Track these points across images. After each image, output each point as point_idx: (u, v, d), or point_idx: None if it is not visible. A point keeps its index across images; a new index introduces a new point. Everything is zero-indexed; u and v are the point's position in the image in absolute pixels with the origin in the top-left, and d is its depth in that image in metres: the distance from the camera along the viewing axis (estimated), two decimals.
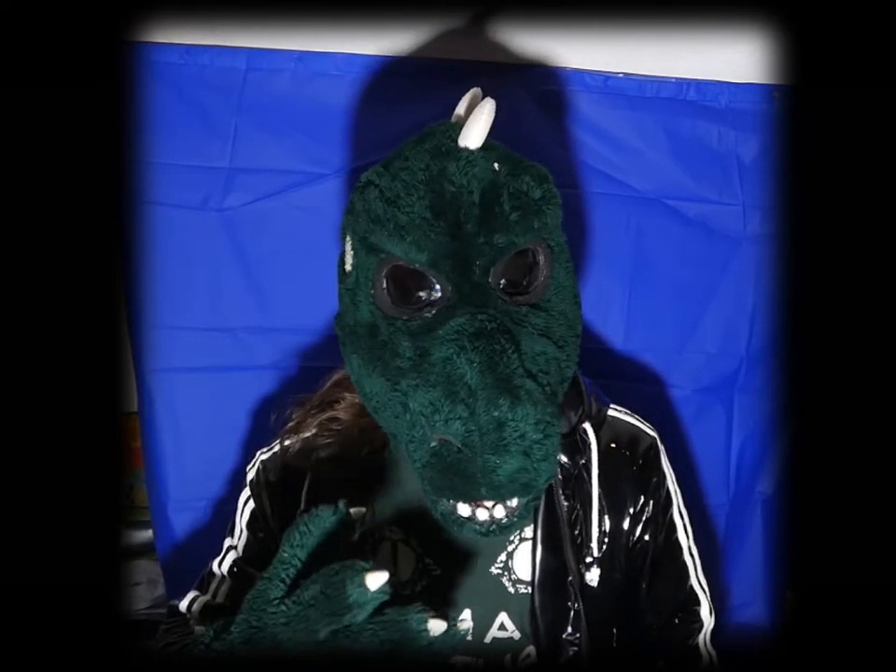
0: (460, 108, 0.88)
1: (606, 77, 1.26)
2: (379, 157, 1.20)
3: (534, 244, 0.83)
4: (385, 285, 0.82)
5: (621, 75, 1.26)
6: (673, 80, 1.26)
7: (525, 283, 0.83)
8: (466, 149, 0.82)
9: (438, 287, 0.81)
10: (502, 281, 0.82)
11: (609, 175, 1.28)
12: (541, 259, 0.84)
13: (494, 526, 0.80)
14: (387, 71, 1.22)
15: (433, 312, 0.80)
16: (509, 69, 1.23)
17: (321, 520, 0.76)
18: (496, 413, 0.74)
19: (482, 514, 0.79)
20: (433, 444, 0.77)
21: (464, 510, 0.79)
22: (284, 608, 0.72)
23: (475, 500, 0.78)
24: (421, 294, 0.81)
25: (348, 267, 0.87)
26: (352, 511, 0.78)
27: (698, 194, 1.29)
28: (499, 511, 0.79)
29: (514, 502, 0.79)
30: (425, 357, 0.78)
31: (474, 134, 0.82)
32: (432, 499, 0.81)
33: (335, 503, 0.78)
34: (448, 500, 0.79)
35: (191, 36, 1.19)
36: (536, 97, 1.25)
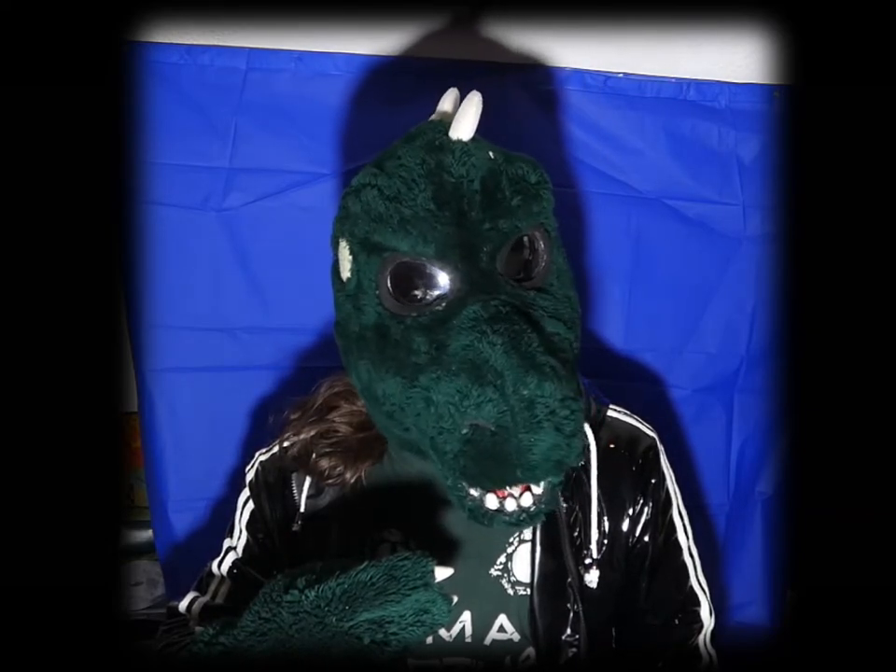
0: (445, 105, 0.89)
1: (606, 77, 1.26)
2: None
3: (533, 229, 0.84)
4: (389, 284, 0.81)
5: (621, 75, 1.26)
6: (673, 80, 1.26)
7: (527, 269, 0.84)
8: (459, 141, 0.82)
9: (443, 281, 0.80)
10: (507, 269, 0.82)
11: (610, 175, 1.28)
12: (541, 244, 0.84)
13: (524, 515, 0.80)
14: (387, 71, 1.22)
15: (443, 304, 0.80)
16: (510, 69, 1.23)
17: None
18: (525, 392, 0.74)
19: (510, 505, 0.79)
20: (464, 432, 0.76)
21: (492, 502, 0.79)
22: (304, 598, 0.73)
23: (510, 484, 0.78)
24: (416, 293, 0.81)
25: (346, 274, 0.86)
26: (437, 573, 0.77)
27: (698, 194, 1.29)
28: (527, 500, 0.79)
29: (540, 489, 0.79)
30: (442, 349, 0.78)
31: (465, 126, 0.82)
32: (458, 496, 0.80)
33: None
34: (476, 492, 0.79)
35: (192, 37, 1.19)
36: (536, 97, 1.25)
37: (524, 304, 0.80)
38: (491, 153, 0.83)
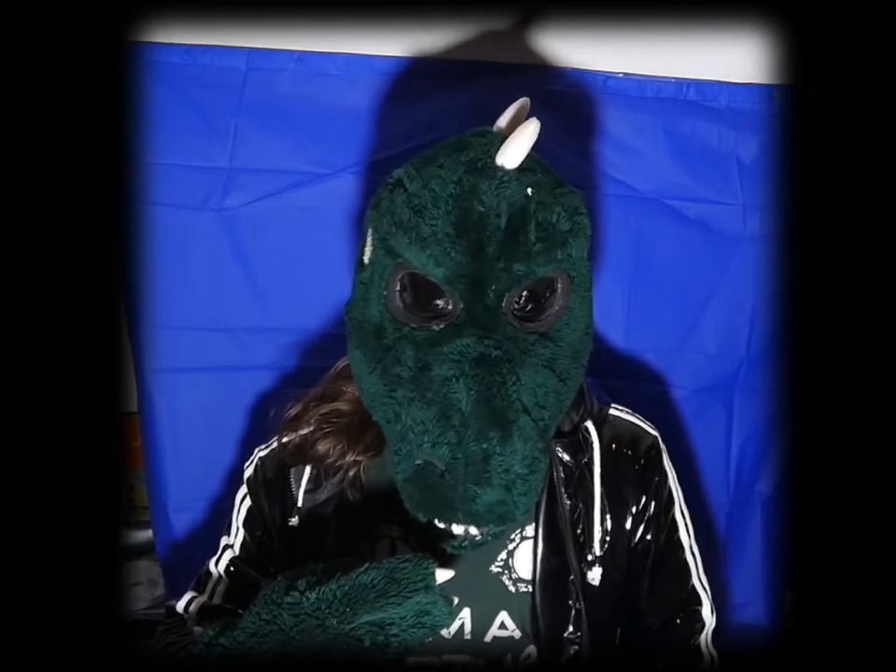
0: (503, 120, 0.86)
1: (606, 77, 1.25)
2: (380, 157, 1.21)
3: (555, 273, 0.82)
4: (398, 288, 0.81)
5: (621, 75, 1.26)
6: (673, 80, 1.26)
7: (538, 310, 0.82)
8: (501, 168, 0.80)
9: (446, 303, 0.80)
10: (515, 305, 0.81)
11: (609, 174, 1.27)
12: (559, 287, 0.83)
13: (466, 542, 0.82)
14: (387, 71, 1.22)
15: (441, 326, 0.80)
16: (509, 69, 1.23)
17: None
18: (484, 445, 0.75)
19: (457, 529, 0.81)
20: (418, 462, 0.78)
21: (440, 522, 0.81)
22: (305, 599, 0.73)
23: (450, 523, 0.80)
24: (438, 302, 0.81)
25: (366, 259, 0.86)
26: (438, 575, 0.78)
27: (698, 194, 1.29)
28: (475, 529, 0.81)
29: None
30: (425, 370, 0.78)
31: (513, 154, 0.80)
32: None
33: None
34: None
35: (192, 36, 1.19)
36: (536, 97, 1.24)
37: (518, 348, 0.79)
38: (530, 189, 0.80)
